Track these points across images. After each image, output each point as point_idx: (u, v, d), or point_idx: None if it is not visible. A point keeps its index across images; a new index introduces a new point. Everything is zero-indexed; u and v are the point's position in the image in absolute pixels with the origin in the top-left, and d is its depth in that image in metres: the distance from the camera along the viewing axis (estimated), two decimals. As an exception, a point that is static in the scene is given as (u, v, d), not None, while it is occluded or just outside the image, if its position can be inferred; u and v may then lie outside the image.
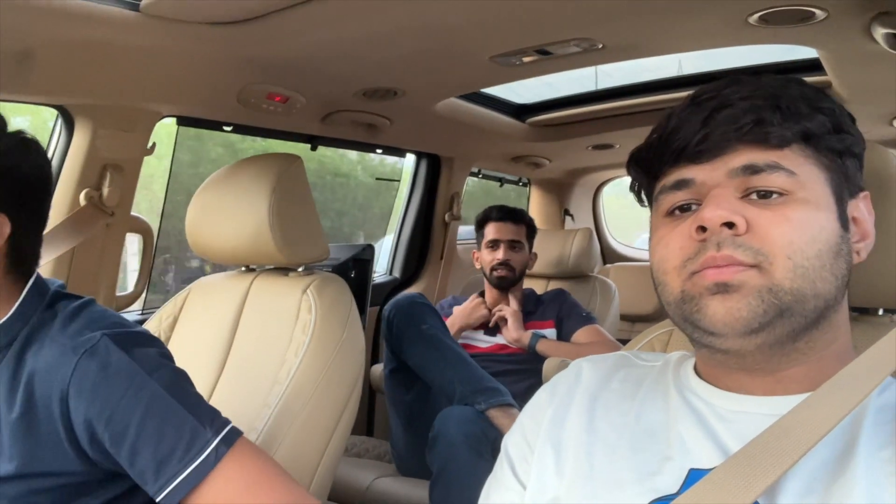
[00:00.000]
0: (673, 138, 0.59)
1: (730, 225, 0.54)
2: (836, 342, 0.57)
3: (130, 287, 1.77)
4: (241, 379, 1.22)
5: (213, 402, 1.20)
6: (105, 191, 1.52)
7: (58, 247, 1.44)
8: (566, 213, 3.63)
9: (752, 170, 0.55)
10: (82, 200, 1.49)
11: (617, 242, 4.01)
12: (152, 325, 1.33)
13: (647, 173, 0.64)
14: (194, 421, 0.80)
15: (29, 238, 0.87)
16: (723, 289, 0.54)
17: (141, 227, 1.71)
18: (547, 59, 1.54)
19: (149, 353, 0.85)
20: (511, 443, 0.69)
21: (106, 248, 1.59)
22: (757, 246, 0.53)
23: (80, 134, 1.48)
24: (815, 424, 0.49)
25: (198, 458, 0.78)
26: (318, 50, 1.42)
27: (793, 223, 0.54)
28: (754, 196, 0.56)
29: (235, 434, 0.83)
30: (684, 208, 0.59)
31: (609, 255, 3.89)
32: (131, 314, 1.79)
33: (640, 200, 0.68)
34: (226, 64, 1.43)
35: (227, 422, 0.84)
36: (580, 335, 2.10)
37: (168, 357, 0.89)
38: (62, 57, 1.25)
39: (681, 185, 0.59)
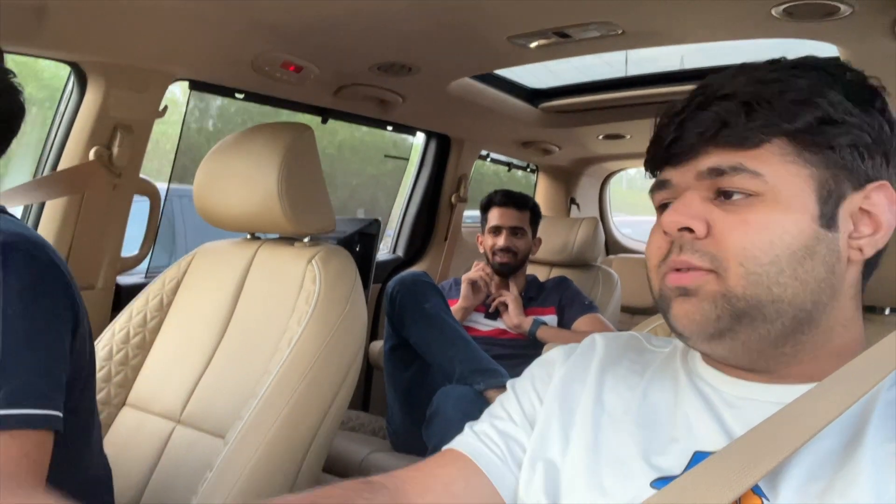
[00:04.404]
0: (658, 138, 0.61)
1: (690, 230, 0.55)
2: (830, 342, 0.57)
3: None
4: (243, 345, 1.23)
5: (213, 366, 1.23)
6: (115, 150, 1.51)
7: (62, 192, 1.43)
8: (572, 201, 3.62)
9: (717, 172, 0.56)
10: (91, 157, 1.49)
11: (621, 234, 4.00)
12: (155, 288, 1.33)
13: (651, 170, 0.65)
14: (28, 377, 0.72)
15: None
16: (683, 292, 0.56)
17: (148, 190, 1.71)
18: (565, 42, 1.52)
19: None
20: (520, 388, 0.70)
21: (112, 209, 1.59)
22: (713, 251, 0.54)
23: (93, 92, 1.48)
24: (819, 413, 0.49)
25: None
26: (335, 20, 1.41)
27: (750, 227, 0.54)
28: (724, 197, 0.56)
29: (45, 423, 0.72)
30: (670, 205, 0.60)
31: (613, 247, 3.88)
32: (135, 276, 1.79)
33: None
34: (242, 28, 1.42)
35: (55, 408, 0.74)
36: (581, 323, 2.10)
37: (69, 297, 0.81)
38: (77, 13, 1.24)
39: (661, 185, 0.61)
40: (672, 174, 0.59)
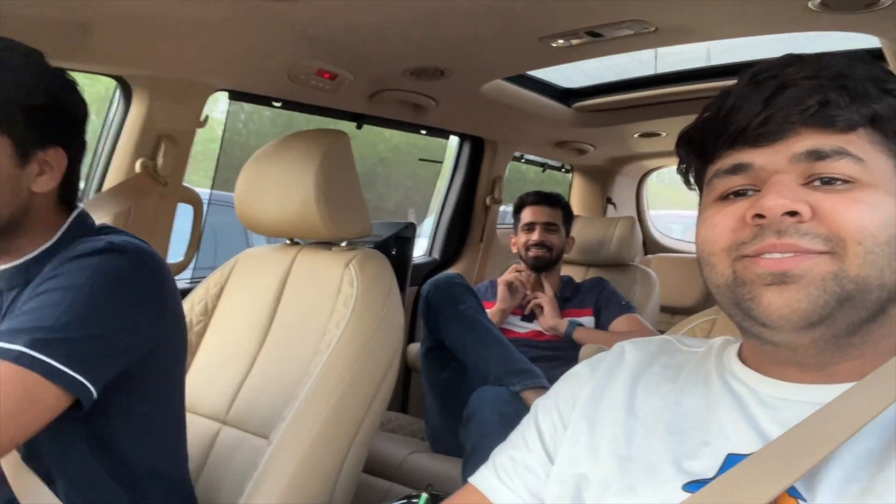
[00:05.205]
0: (731, 119, 0.55)
1: (792, 213, 0.51)
2: (891, 336, 0.55)
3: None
4: (284, 347, 1.26)
5: (256, 368, 1.26)
6: (159, 161, 1.56)
7: (113, 208, 1.49)
8: (609, 201, 3.59)
9: (818, 155, 0.52)
10: (138, 169, 1.55)
11: (660, 233, 3.95)
12: (199, 293, 1.38)
13: (699, 155, 0.61)
14: (75, 331, 0.76)
15: (77, 171, 0.91)
16: (780, 279, 0.51)
17: (192, 198, 1.76)
18: (598, 41, 1.51)
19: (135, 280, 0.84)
20: (542, 407, 0.69)
21: (158, 217, 1.65)
22: (825, 232, 0.50)
23: (138, 104, 1.53)
24: (858, 412, 0.48)
25: (12, 345, 0.73)
26: (368, 27, 1.43)
27: (864, 206, 0.50)
28: (817, 183, 0.52)
29: (61, 379, 0.74)
30: (739, 193, 0.56)
31: (651, 246, 3.83)
32: (180, 282, 1.85)
33: (687, 183, 0.65)
34: (279, 39, 1.45)
35: (85, 377, 0.76)
36: (618, 323, 2.08)
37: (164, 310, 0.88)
38: (121, 29, 1.28)
39: (738, 169, 0.55)
40: (755, 157, 0.54)
